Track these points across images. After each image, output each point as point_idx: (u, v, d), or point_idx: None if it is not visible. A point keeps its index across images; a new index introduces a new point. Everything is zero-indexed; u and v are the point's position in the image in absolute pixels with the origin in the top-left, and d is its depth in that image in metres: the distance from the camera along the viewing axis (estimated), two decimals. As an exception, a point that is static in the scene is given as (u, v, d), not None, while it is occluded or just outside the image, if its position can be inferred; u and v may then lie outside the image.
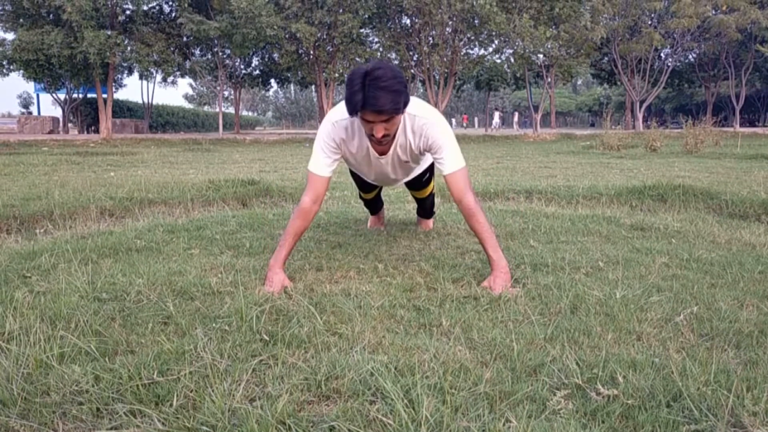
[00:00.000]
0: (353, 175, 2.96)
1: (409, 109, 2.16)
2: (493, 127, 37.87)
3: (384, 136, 2.10)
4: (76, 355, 1.46)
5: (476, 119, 61.92)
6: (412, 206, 3.83)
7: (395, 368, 1.37)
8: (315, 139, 2.32)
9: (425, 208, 3.22)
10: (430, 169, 2.91)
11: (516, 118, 40.89)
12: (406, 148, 2.31)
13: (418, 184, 2.93)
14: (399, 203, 4.34)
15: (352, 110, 2.02)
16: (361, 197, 3.22)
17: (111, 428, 1.15)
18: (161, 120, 36.70)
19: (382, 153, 2.34)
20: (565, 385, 1.32)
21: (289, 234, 2.19)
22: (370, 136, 2.14)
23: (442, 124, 2.25)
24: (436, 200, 3.71)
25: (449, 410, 1.16)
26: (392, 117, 2.04)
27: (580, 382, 1.32)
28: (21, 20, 19.88)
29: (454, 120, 52.14)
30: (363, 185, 3.00)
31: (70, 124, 30.08)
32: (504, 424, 1.14)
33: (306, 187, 2.27)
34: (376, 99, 1.93)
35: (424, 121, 2.22)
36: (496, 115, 39.59)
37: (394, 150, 2.33)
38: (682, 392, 1.25)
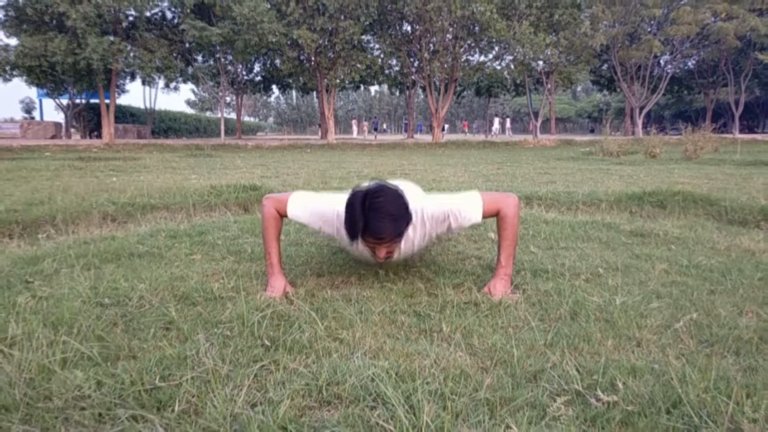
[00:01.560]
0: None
1: None
2: (493, 133, 37.80)
3: (387, 256, 2.05)
4: (79, 360, 1.47)
5: (474, 125, 61.94)
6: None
7: (396, 374, 1.38)
8: (327, 196, 2.21)
9: None
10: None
11: (509, 124, 40.70)
12: (411, 241, 2.19)
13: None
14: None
15: (352, 235, 1.93)
16: None
17: (113, 433, 1.15)
18: (163, 125, 36.79)
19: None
20: (565, 392, 1.32)
21: (270, 239, 2.16)
22: (372, 254, 2.07)
23: (431, 198, 2.17)
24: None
25: (450, 416, 1.16)
26: (395, 241, 1.98)
27: (580, 389, 1.32)
28: (24, 26, 19.95)
29: (446, 126, 52.15)
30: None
31: (72, 130, 30.15)
32: (504, 430, 1.15)
33: (276, 198, 2.18)
34: (377, 228, 1.87)
35: (419, 212, 2.11)
36: (496, 121, 39.49)
37: (398, 253, 2.21)
38: (682, 399, 1.25)
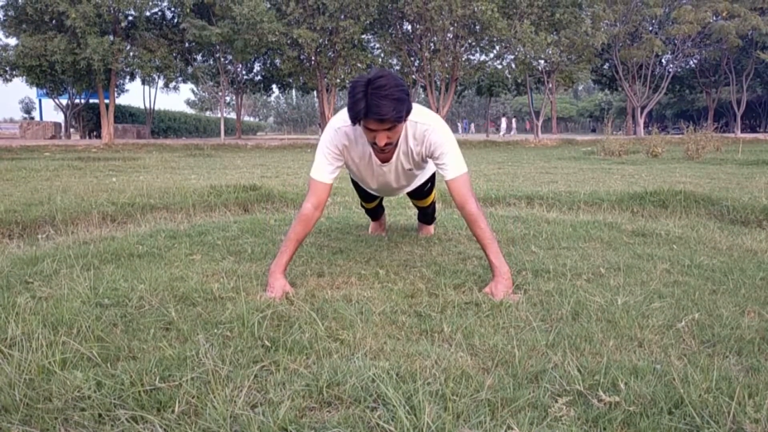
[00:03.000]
0: (355, 184, 2.96)
1: (410, 116, 2.16)
2: (501, 133, 37.40)
3: (386, 144, 2.11)
4: (78, 360, 1.46)
5: (473, 125, 61.71)
6: (413, 212, 3.83)
7: (397, 374, 1.37)
8: (317, 146, 2.32)
9: (427, 215, 3.22)
10: (432, 179, 2.91)
11: (514, 124, 40.42)
12: (409, 154, 2.32)
13: (420, 193, 2.93)
14: (400, 209, 4.35)
15: (354, 118, 2.02)
16: (362, 205, 3.23)
17: (113, 434, 1.15)
18: (163, 125, 36.80)
19: (385, 161, 2.34)
20: (567, 392, 1.32)
21: (290, 239, 2.19)
22: (373, 144, 2.15)
23: (444, 130, 2.26)
24: (437, 206, 3.71)
25: (451, 417, 1.16)
26: (395, 125, 2.04)
27: (582, 389, 1.32)
28: (24, 26, 19.98)
29: (459, 125, 52.02)
30: (364, 195, 3.00)
31: (72, 130, 30.17)
32: (506, 431, 1.14)
33: (308, 193, 2.27)
34: (378, 107, 1.94)
35: (425, 127, 2.22)
36: (504, 120, 39.12)
37: (397, 158, 2.33)
38: (684, 399, 1.25)
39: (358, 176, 2.62)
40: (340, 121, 2.25)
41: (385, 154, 2.27)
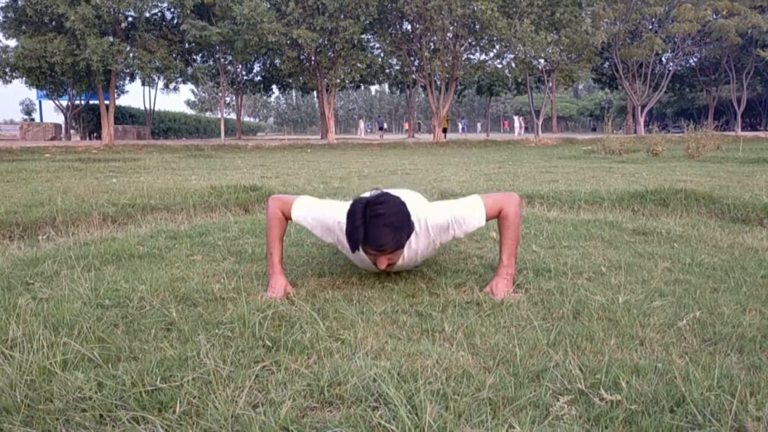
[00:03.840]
0: None
1: None
2: (516, 133, 36.65)
3: (388, 265, 2.03)
4: (79, 361, 1.46)
5: (478, 124, 61.57)
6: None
7: (398, 374, 1.37)
8: (333, 204, 2.20)
9: None
10: None
11: (522, 123, 39.58)
12: (416, 251, 2.18)
13: None
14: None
15: (353, 246, 1.92)
16: None
17: (114, 435, 1.15)
18: (163, 126, 36.82)
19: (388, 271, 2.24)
20: (568, 391, 1.31)
21: (273, 239, 2.16)
22: (374, 263, 2.05)
23: (434, 207, 2.16)
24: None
25: (452, 416, 1.16)
26: (396, 251, 1.97)
27: (583, 388, 1.31)
28: (24, 27, 19.99)
29: (460, 125, 51.91)
30: None
31: (72, 131, 30.19)
32: (507, 430, 1.14)
33: (281, 199, 2.20)
34: (377, 237, 1.86)
35: (422, 221, 2.09)
36: (517, 120, 38.38)
37: (402, 261, 2.19)
38: (686, 397, 1.25)
39: (356, 263, 2.38)
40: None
41: (386, 270, 2.17)
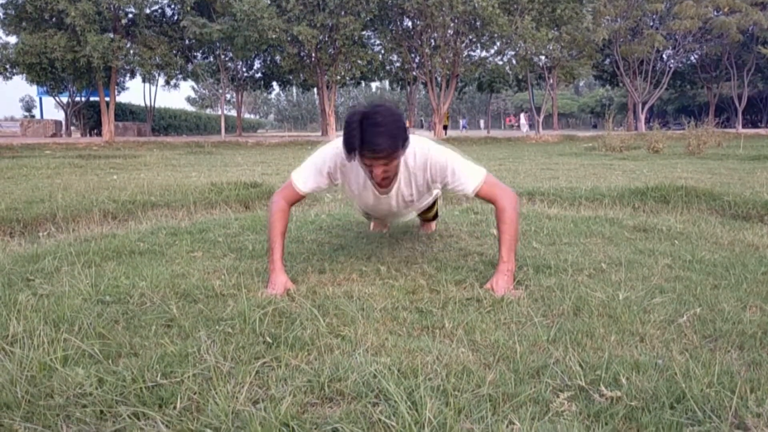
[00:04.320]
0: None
1: (409, 146, 2.09)
2: (524, 130, 36.35)
3: (384, 178, 2.06)
4: (80, 357, 1.47)
5: (481, 121, 61.28)
6: (415, 208, 3.83)
7: (398, 370, 1.37)
8: (313, 153, 2.25)
9: (428, 219, 3.19)
10: (435, 200, 2.84)
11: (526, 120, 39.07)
12: (411, 183, 2.24)
13: (423, 212, 2.88)
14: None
15: (349, 151, 1.96)
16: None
17: (115, 431, 1.15)
18: (163, 123, 36.80)
19: (384, 192, 2.28)
20: (569, 387, 1.32)
21: (275, 235, 2.17)
22: (371, 177, 2.10)
23: (443, 150, 2.20)
24: (439, 202, 3.70)
25: (452, 412, 1.16)
26: (391, 157, 1.99)
27: (584, 384, 1.32)
28: (24, 24, 19.96)
29: (461, 122, 51.78)
30: (366, 214, 2.91)
31: (72, 128, 30.17)
32: (507, 426, 1.14)
33: (282, 189, 2.23)
34: (373, 141, 1.89)
35: (424, 154, 2.16)
36: (522, 116, 38.00)
37: (398, 188, 2.26)
38: (686, 394, 1.25)
39: (357, 201, 2.51)
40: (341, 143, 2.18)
41: (383, 186, 2.21)
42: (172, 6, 22.51)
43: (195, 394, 1.27)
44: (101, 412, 1.22)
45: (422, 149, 2.17)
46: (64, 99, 29.42)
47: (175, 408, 1.22)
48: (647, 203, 4.38)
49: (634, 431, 1.15)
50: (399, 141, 1.96)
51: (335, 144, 2.19)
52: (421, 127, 55.19)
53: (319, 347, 1.54)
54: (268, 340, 1.59)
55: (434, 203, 2.90)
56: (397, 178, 2.21)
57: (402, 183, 2.23)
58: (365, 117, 1.91)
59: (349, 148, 1.95)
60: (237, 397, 1.25)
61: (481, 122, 63.12)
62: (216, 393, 1.25)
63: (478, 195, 2.17)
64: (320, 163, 2.21)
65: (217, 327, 1.68)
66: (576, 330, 1.65)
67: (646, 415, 1.19)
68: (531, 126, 34.90)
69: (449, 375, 1.35)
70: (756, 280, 2.17)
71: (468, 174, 2.16)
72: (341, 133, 2.19)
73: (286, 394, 1.26)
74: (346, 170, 2.22)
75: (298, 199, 2.24)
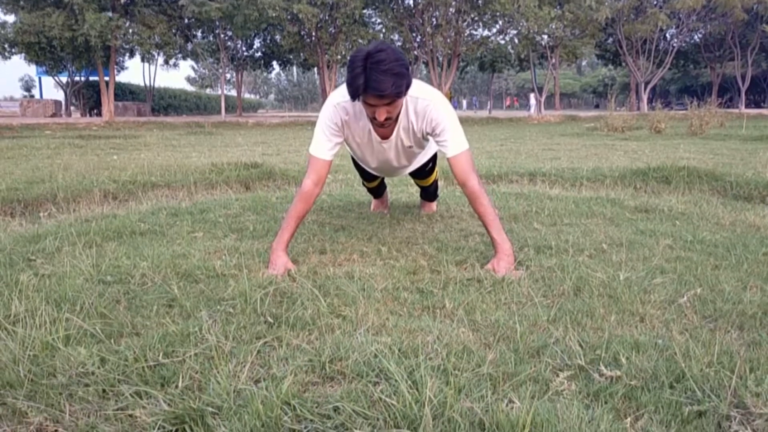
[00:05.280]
0: (356, 164, 2.93)
1: (411, 91, 2.13)
2: (532, 110, 35.68)
3: (386, 119, 2.08)
4: (82, 337, 1.47)
5: (464, 101, 60.64)
6: (416, 189, 3.82)
7: (399, 350, 1.38)
8: (317, 122, 2.29)
9: (429, 193, 3.21)
10: (434, 159, 2.89)
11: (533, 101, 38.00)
12: (409, 131, 2.28)
13: (422, 173, 2.91)
14: (402, 186, 4.33)
15: (353, 94, 1.98)
16: (364, 184, 3.21)
17: (117, 409, 1.16)
18: (163, 103, 36.62)
19: (385, 137, 2.31)
20: (568, 367, 1.32)
21: (291, 217, 2.19)
22: (372, 119, 2.12)
23: (445, 106, 2.23)
24: (440, 183, 3.70)
25: (452, 391, 1.16)
26: (394, 100, 2.01)
27: (583, 364, 1.32)
28: (22, 2, 19.75)
29: (465, 101, 51.38)
30: (365, 175, 2.98)
31: (72, 108, 30.05)
32: (507, 405, 1.15)
33: (307, 170, 2.26)
34: (377, 82, 1.90)
35: (426, 102, 2.19)
36: (532, 96, 37.16)
37: (397, 134, 2.30)
38: (685, 373, 1.25)
39: (358, 154, 2.58)
40: (339, 96, 2.21)
41: (385, 129, 2.24)
42: (171, -16, 22.24)
43: (197, 373, 1.28)
44: (103, 391, 1.22)
45: (425, 99, 2.19)
46: (64, 79, 29.25)
47: (177, 387, 1.23)
48: (649, 184, 4.37)
49: (633, 410, 1.16)
50: (403, 83, 1.97)
51: (333, 101, 2.23)
52: (476, 107, 54.59)
53: (320, 327, 1.55)
54: (269, 320, 1.59)
55: (433, 167, 2.92)
56: (398, 123, 2.24)
57: (401, 129, 2.27)
58: (369, 58, 1.90)
59: (354, 89, 1.95)
60: (238, 376, 1.26)
61: (489, 103, 62.71)
62: (217, 372, 1.26)
63: (452, 163, 2.20)
64: (326, 124, 2.24)
65: (218, 307, 1.69)
66: (576, 310, 1.66)
67: (646, 394, 1.20)
68: (536, 105, 34.46)
69: (449, 354, 1.36)
70: (757, 261, 2.17)
71: (455, 139, 2.19)
72: (337, 89, 2.23)
73: (287, 373, 1.27)
74: (350, 121, 2.26)
75: (326, 171, 2.26)
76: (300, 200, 2.20)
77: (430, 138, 2.32)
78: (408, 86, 2.03)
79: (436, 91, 2.28)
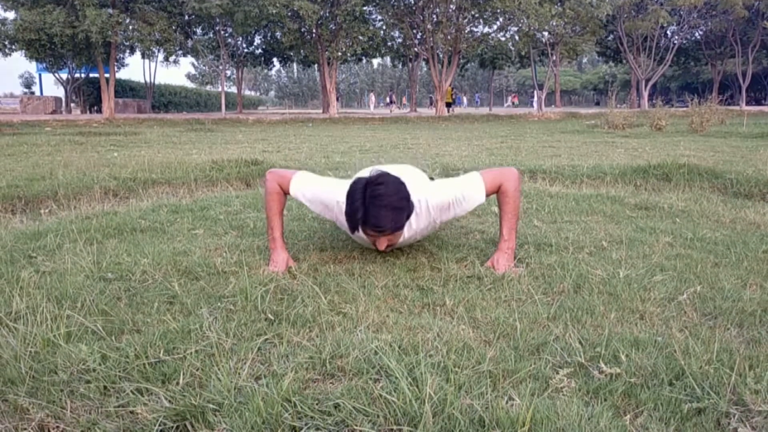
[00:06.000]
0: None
1: None
2: (536, 109, 34.93)
3: (388, 246, 2.02)
4: (83, 334, 1.48)
5: (464, 98, 60.43)
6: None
7: (399, 347, 1.38)
8: (331, 182, 2.19)
9: None
10: None
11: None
12: (414, 232, 2.16)
13: None
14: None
15: (352, 227, 1.91)
16: None
17: (118, 406, 1.16)
18: (163, 100, 36.58)
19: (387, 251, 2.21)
20: (568, 364, 1.33)
21: (273, 214, 2.15)
22: (373, 243, 2.04)
23: (434, 187, 2.13)
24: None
25: (453, 388, 1.17)
26: (395, 232, 1.95)
27: (583, 361, 1.32)
28: (22, -1, 19.70)
29: (464, 98, 51.22)
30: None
31: (72, 104, 29.99)
32: (507, 402, 1.15)
33: (280, 174, 2.17)
34: (377, 218, 1.84)
35: (423, 202, 2.06)
36: (537, 94, 36.52)
37: (403, 240, 2.17)
38: (685, 371, 1.26)
39: (356, 241, 2.36)
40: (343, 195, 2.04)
41: (385, 252, 2.16)
42: (171, -20, 22.17)
43: (198, 370, 1.29)
44: (105, 387, 1.23)
45: (418, 197, 2.05)
46: (64, 75, 29.21)
47: (178, 384, 1.23)
48: (649, 181, 4.37)
49: (632, 407, 1.16)
50: (403, 217, 1.91)
51: (340, 197, 2.05)
52: (430, 104, 54.62)
53: (321, 324, 1.55)
54: (270, 317, 1.60)
55: None
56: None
57: (405, 234, 2.13)
58: (368, 191, 1.84)
59: (352, 224, 1.90)
60: (239, 373, 1.26)
61: (477, 99, 62.50)
62: (218, 369, 1.26)
63: (487, 195, 2.11)
64: (324, 198, 2.12)
65: (219, 304, 1.69)
66: (576, 307, 1.66)
67: (645, 391, 1.20)
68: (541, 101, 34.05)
69: (450, 352, 1.36)
70: (757, 258, 2.17)
71: (470, 190, 2.08)
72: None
73: (287, 370, 1.27)
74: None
75: (286, 192, 2.17)
76: (273, 199, 2.14)
77: (451, 216, 2.17)
78: (408, 216, 1.95)
79: (417, 175, 2.17)
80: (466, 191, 2.08)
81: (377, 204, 1.83)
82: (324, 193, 2.12)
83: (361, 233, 2.02)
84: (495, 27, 24.73)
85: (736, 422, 1.10)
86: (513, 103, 54.31)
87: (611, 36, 31.86)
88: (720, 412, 1.13)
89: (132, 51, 26.49)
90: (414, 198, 2.01)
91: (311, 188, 2.14)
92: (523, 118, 22.19)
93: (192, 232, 2.66)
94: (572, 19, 24.58)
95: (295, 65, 48.61)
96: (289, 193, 2.16)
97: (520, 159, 6.11)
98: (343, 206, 1.97)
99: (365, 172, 2.03)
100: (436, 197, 2.08)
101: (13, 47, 20.68)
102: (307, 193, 2.14)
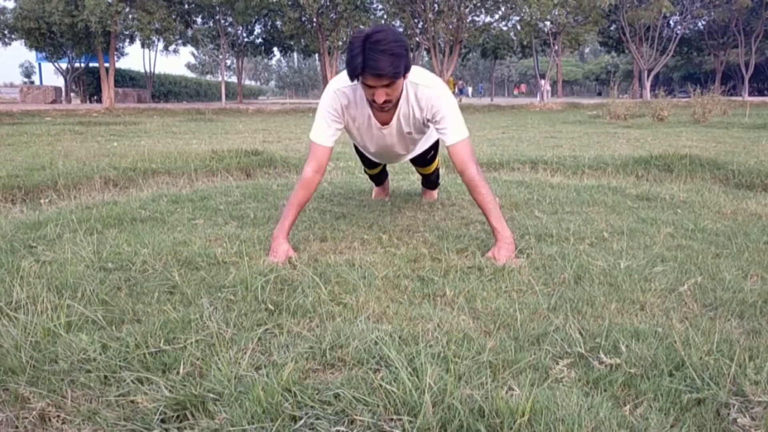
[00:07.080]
0: (357, 150, 2.92)
1: (412, 77, 2.12)
2: (543, 98, 34.31)
3: (385, 101, 2.06)
4: (83, 323, 1.48)
5: (470, 88, 60.39)
6: (417, 177, 3.81)
7: (399, 337, 1.38)
8: (317, 108, 2.29)
9: (430, 181, 3.20)
10: (435, 146, 2.87)
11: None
12: (409, 117, 2.27)
13: (423, 161, 2.90)
14: (403, 174, 4.33)
15: (352, 74, 1.97)
16: (365, 171, 3.21)
17: (119, 395, 1.16)
18: (163, 89, 36.50)
19: (384, 122, 2.30)
20: (568, 354, 1.33)
21: (292, 204, 2.19)
22: (371, 102, 2.10)
23: (446, 94, 2.21)
24: (441, 171, 3.69)
25: (452, 378, 1.17)
26: (393, 81, 1.99)
27: (583, 351, 1.32)
28: (20, -13, 19.61)
29: (470, 89, 51.12)
30: (367, 161, 2.97)
31: (72, 94, 29.94)
32: (507, 392, 1.15)
33: (308, 157, 2.25)
34: (376, 62, 1.89)
35: (426, 89, 2.17)
36: (543, 83, 35.74)
37: (397, 120, 2.28)
38: (685, 361, 1.26)
39: (358, 140, 2.56)
40: (340, 82, 2.20)
41: (384, 113, 2.23)
42: (171, -31, 22.05)
43: (198, 359, 1.29)
44: (105, 377, 1.23)
45: (425, 85, 2.17)
46: (64, 65, 29.12)
47: (178, 373, 1.23)
48: (651, 172, 4.36)
49: (632, 398, 1.16)
50: (401, 64, 1.96)
51: (333, 86, 2.22)
52: (481, 93, 54.36)
53: (321, 314, 1.55)
54: (270, 307, 1.60)
55: (434, 156, 2.91)
56: (398, 108, 2.23)
57: (401, 115, 2.26)
58: (368, 39, 1.90)
59: (353, 69, 1.95)
60: (239, 363, 1.26)
61: (480, 89, 62.31)
62: (219, 359, 1.26)
63: (451, 151, 2.19)
64: (327, 110, 2.23)
65: (219, 294, 1.69)
66: (577, 298, 1.66)
67: (645, 382, 1.20)
68: (549, 92, 33.62)
69: (450, 342, 1.36)
70: (758, 249, 2.17)
71: (455, 127, 2.18)
72: (337, 76, 2.22)
73: (288, 360, 1.27)
74: (350, 107, 2.25)
75: (327, 158, 2.26)
76: (301, 187, 2.20)
77: (430, 125, 2.31)
78: (407, 68, 2.02)
79: (437, 78, 2.27)
80: (455, 123, 2.19)
81: (376, 49, 1.89)
82: (324, 105, 2.24)
83: (359, 108, 2.21)
84: (497, 16, 24.63)
85: (736, 413, 1.10)
86: (521, 93, 54.17)
87: (613, 26, 31.71)
88: (720, 403, 1.13)
89: (132, 40, 26.41)
90: (422, 81, 2.16)
91: (320, 119, 2.24)
92: (524, 108, 22.13)
93: (192, 222, 2.65)
94: (574, 9, 24.45)
95: (295, 55, 48.38)
96: (328, 147, 2.24)
97: (521, 149, 6.10)
98: (345, 91, 2.17)
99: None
100: (439, 96, 2.18)
101: (13, 36, 20.63)
102: (324, 125, 2.24)
